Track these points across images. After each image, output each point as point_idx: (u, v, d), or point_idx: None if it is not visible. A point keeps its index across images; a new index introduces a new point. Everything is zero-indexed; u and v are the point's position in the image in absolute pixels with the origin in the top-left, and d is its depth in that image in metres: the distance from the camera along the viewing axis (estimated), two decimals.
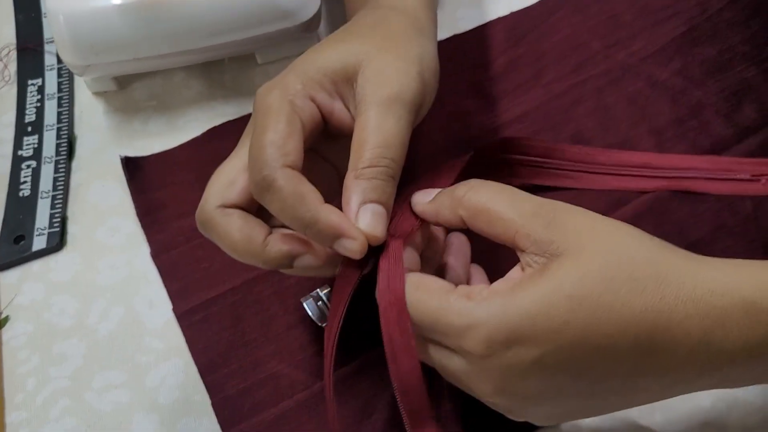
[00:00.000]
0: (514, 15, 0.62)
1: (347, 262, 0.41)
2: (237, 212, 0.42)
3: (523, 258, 0.39)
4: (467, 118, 0.57)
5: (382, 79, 0.42)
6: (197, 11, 0.55)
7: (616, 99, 0.57)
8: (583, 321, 0.36)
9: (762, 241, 0.51)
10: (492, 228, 0.40)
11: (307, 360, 0.49)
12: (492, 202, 0.40)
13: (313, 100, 0.42)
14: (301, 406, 0.47)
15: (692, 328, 0.37)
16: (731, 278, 0.37)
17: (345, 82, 0.43)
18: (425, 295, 0.39)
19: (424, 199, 0.43)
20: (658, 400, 0.40)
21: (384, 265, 0.40)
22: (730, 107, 0.56)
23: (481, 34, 0.62)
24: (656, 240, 0.39)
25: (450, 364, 0.39)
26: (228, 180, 0.42)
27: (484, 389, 0.39)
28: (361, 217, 0.40)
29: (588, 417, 0.43)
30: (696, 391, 0.39)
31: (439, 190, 0.43)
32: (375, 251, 0.41)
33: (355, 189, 0.40)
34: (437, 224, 0.43)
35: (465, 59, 0.61)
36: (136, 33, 0.55)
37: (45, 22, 0.65)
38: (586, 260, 0.37)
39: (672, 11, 0.61)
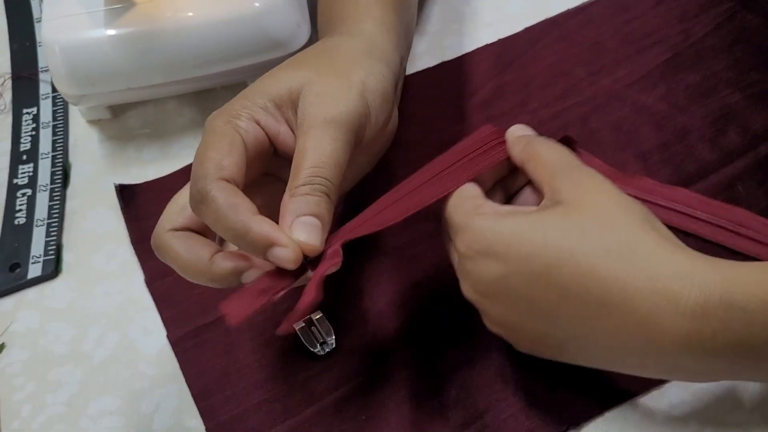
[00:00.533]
0: (500, 42, 0.64)
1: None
2: (185, 234, 0.44)
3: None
4: (449, 142, 0.58)
5: (321, 102, 0.44)
6: (190, 42, 0.56)
7: (601, 125, 0.59)
8: (549, 259, 0.40)
9: None
10: (536, 171, 0.45)
11: (299, 385, 0.50)
12: (546, 152, 0.45)
13: (258, 123, 0.44)
14: (294, 431, 0.48)
15: (643, 302, 0.39)
16: (696, 268, 0.39)
17: (289, 107, 0.45)
18: (462, 198, 0.44)
19: (520, 131, 0.48)
20: (616, 369, 0.43)
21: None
22: (715, 132, 0.57)
23: (468, 61, 0.63)
24: (649, 218, 0.42)
25: (451, 253, 0.45)
26: (179, 206, 0.45)
27: (464, 283, 0.44)
28: (295, 229, 0.41)
29: (558, 358, 0.44)
30: (651, 375, 0.43)
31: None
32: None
33: (289, 206, 0.42)
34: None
35: (452, 86, 0.62)
36: (129, 63, 0.56)
37: (39, 50, 0.66)
38: (575, 212, 0.41)
39: (655, 38, 0.62)
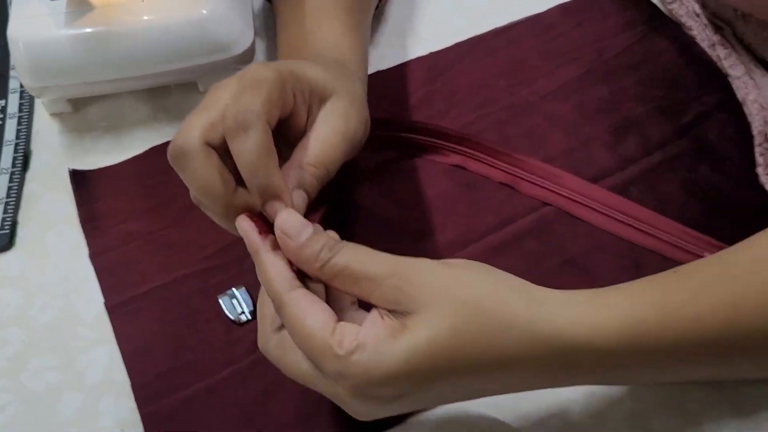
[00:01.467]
0: (432, 55, 0.70)
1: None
2: (216, 154, 0.46)
3: (380, 310, 0.43)
4: None
5: (343, 116, 0.51)
6: (140, 42, 0.62)
7: (515, 131, 0.64)
8: (440, 373, 0.41)
9: (632, 258, 0.57)
10: (351, 288, 0.43)
11: (220, 350, 0.55)
12: (355, 263, 0.43)
13: (294, 95, 0.48)
14: (211, 388, 0.53)
15: (529, 364, 0.43)
16: (564, 324, 0.43)
17: (316, 98, 0.50)
18: (310, 337, 0.42)
19: (293, 230, 0.45)
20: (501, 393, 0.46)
21: None
22: (615, 140, 0.63)
23: (402, 71, 0.69)
24: (505, 281, 0.44)
25: (323, 386, 0.44)
26: (209, 122, 0.46)
27: (349, 405, 0.43)
28: (295, 196, 0.47)
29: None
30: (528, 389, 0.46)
31: (309, 231, 0.44)
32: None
33: (297, 174, 0.48)
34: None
35: (387, 93, 0.67)
36: (86, 60, 0.62)
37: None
38: (437, 318, 0.41)
39: (572, 56, 0.68)
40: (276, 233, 0.45)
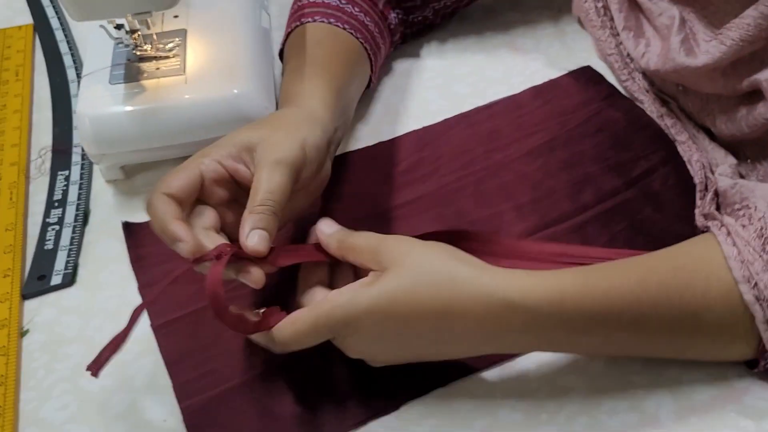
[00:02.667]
0: (422, 129, 0.83)
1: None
2: (169, 198, 0.61)
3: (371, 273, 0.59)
4: (378, 198, 0.77)
5: (272, 149, 0.63)
6: (183, 116, 0.76)
7: (491, 187, 0.77)
8: (396, 315, 0.57)
9: None
10: (357, 257, 0.61)
11: (242, 359, 0.66)
12: (355, 240, 0.61)
13: (219, 162, 0.63)
14: (236, 388, 0.65)
15: (468, 314, 0.56)
16: (503, 283, 0.57)
17: (247, 152, 0.64)
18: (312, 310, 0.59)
19: (327, 230, 0.63)
20: (454, 357, 0.61)
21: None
22: (574, 192, 0.75)
23: (397, 142, 0.83)
24: (460, 256, 0.59)
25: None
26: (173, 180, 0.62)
27: (348, 352, 0.60)
28: (250, 238, 0.60)
29: (415, 360, 0.61)
30: (482, 353, 0.60)
31: (338, 227, 0.63)
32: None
33: (248, 220, 0.61)
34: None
35: (384, 159, 0.81)
36: (138, 131, 0.76)
37: (74, 133, 0.87)
38: (401, 272, 0.57)
39: (540, 127, 0.82)
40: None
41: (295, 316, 0.59)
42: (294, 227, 0.72)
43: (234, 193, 0.65)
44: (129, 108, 0.76)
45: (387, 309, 0.56)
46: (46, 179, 0.83)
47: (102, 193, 0.82)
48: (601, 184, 0.76)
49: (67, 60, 0.96)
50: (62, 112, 0.90)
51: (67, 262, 0.75)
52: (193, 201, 0.63)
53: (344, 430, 0.62)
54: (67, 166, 0.84)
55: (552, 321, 0.56)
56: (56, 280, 0.74)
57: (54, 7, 1.04)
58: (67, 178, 0.83)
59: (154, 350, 0.68)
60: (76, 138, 0.86)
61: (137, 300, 0.72)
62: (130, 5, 0.70)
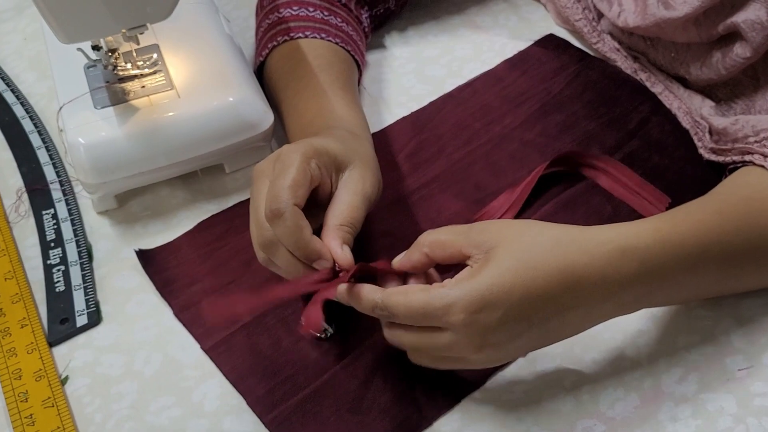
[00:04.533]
0: (412, 114, 0.83)
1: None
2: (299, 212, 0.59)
3: (469, 262, 0.57)
4: (394, 184, 0.76)
5: (360, 179, 0.63)
6: (183, 130, 0.73)
7: (499, 157, 0.78)
8: (522, 281, 0.54)
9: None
10: (446, 251, 0.58)
11: (314, 361, 0.65)
12: (440, 235, 0.58)
13: (319, 168, 0.61)
14: (316, 391, 0.63)
15: (591, 269, 0.56)
16: (610, 234, 0.57)
17: (335, 167, 0.63)
18: (414, 294, 0.56)
19: (399, 258, 0.60)
20: (578, 332, 0.59)
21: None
22: (582, 150, 0.77)
23: (391, 130, 0.82)
24: (553, 224, 0.59)
25: (441, 340, 0.56)
26: (300, 186, 0.60)
27: (469, 349, 0.56)
28: (343, 252, 0.59)
29: (534, 350, 0.60)
30: (600, 321, 0.59)
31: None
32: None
33: (337, 233, 0.60)
34: (414, 269, 0.59)
35: (384, 147, 0.80)
36: (138, 153, 0.72)
37: (45, 168, 0.82)
38: (511, 246, 0.56)
39: (527, 96, 0.84)
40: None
41: (407, 288, 0.57)
42: None
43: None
44: (126, 130, 0.72)
45: (512, 283, 0.54)
46: (29, 221, 0.78)
47: (98, 225, 0.77)
48: (603, 140, 0.78)
49: (9, 97, 0.90)
50: (23, 150, 0.84)
51: (87, 300, 0.70)
52: None
53: (430, 419, 0.61)
54: (50, 204, 0.79)
55: (662, 258, 0.57)
56: (81, 321, 0.69)
57: None
58: (54, 216, 0.77)
59: (212, 373, 0.65)
60: (50, 174, 0.81)
61: (177, 326, 0.68)
62: (124, 21, 0.67)
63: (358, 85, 0.84)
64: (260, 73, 0.82)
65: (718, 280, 0.61)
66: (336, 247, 0.60)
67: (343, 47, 0.80)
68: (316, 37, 0.79)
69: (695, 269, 0.59)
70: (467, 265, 0.57)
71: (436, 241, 0.58)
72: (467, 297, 0.54)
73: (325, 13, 0.82)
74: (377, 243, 0.72)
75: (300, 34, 0.79)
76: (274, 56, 0.80)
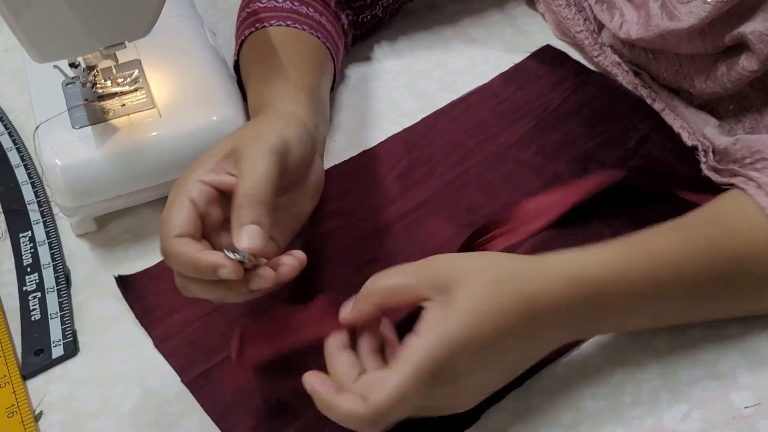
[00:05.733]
0: (404, 131, 0.80)
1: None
2: (185, 239, 0.56)
3: (426, 305, 0.53)
4: (383, 208, 0.73)
5: (250, 143, 0.59)
6: (165, 151, 0.70)
7: (494, 178, 0.75)
8: (492, 323, 0.52)
9: None
10: (401, 296, 0.54)
11: (299, 397, 0.62)
12: (392, 280, 0.55)
13: (202, 182, 0.59)
14: (308, 424, 0.60)
15: (542, 301, 0.54)
16: (564, 262, 0.56)
17: (226, 160, 0.60)
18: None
19: (345, 311, 0.56)
20: (532, 363, 0.57)
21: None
22: (579, 172, 0.74)
23: (382, 147, 0.79)
24: (509, 256, 0.58)
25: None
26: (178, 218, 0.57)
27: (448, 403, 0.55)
28: (240, 239, 0.55)
29: (497, 388, 0.57)
30: (552, 348, 0.57)
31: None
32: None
33: (234, 220, 0.56)
34: (364, 323, 0.55)
35: (374, 167, 0.77)
36: (118, 175, 0.69)
37: (23, 188, 0.79)
38: (472, 284, 0.53)
39: (522, 113, 0.81)
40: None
41: (382, 376, 0.51)
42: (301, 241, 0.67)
43: (228, 209, 0.60)
44: (105, 151, 0.69)
45: (481, 324, 0.52)
46: (6, 244, 0.75)
47: (77, 249, 0.74)
48: (602, 160, 0.75)
49: None
50: (0, 168, 0.81)
51: (64, 330, 0.67)
52: (200, 233, 0.58)
53: None
54: (27, 226, 0.76)
55: (616, 290, 0.56)
56: (57, 351, 0.66)
57: None
58: (31, 239, 0.74)
59: (194, 408, 0.62)
60: (28, 194, 0.78)
61: (157, 358, 0.65)
62: (101, 38, 0.64)
63: (333, 84, 0.81)
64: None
65: (684, 308, 0.60)
66: (234, 238, 0.56)
67: (312, 33, 0.77)
68: (281, 25, 0.76)
69: (651, 303, 0.58)
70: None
71: (388, 287, 0.55)
72: (437, 352, 0.51)
73: (296, 4, 0.79)
74: (364, 271, 0.69)
75: (265, 24, 0.76)
76: (243, 49, 0.78)
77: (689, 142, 0.75)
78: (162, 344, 0.66)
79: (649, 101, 0.79)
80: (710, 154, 0.72)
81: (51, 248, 0.74)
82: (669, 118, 0.78)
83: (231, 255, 0.55)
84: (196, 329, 0.67)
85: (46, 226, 0.75)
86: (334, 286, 0.68)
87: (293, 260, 0.58)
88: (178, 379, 0.64)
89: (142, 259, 0.72)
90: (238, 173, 0.58)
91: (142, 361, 0.65)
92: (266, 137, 0.59)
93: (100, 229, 0.75)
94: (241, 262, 0.55)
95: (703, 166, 0.72)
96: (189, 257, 0.56)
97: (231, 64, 0.81)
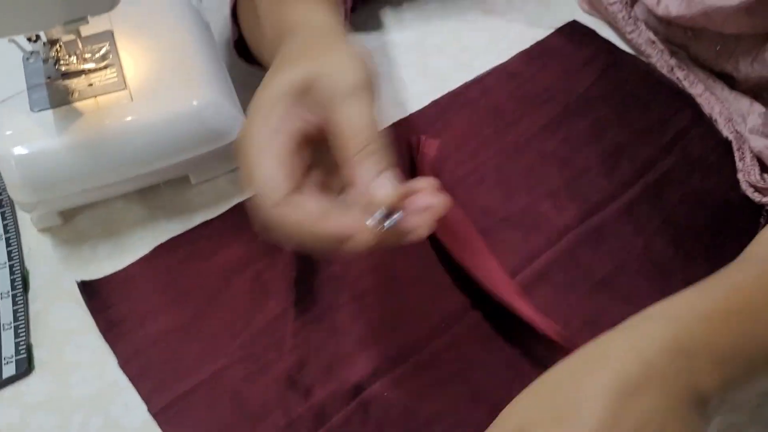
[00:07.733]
0: (411, 116, 0.71)
1: None
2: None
3: None
4: None
5: (340, 78, 0.49)
6: (136, 141, 0.61)
7: (513, 173, 0.66)
8: None
9: (655, 271, 0.59)
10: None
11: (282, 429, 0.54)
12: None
13: (285, 131, 0.49)
14: None
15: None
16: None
17: (301, 101, 0.49)
18: None
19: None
20: None
21: None
22: (609, 167, 0.65)
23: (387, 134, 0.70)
24: None
25: None
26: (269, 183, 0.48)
27: None
28: (375, 192, 0.46)
29: None
30: None
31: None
32: None
33: (361, 173, 0.46)
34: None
35: None
36: (82, 167, 0.60)
37: None
38: None
39: (546, 96, 0.71)
40: None
41: None
42: None
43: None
44: (66, 139, 0.60)
45: None
46: None
47: (38, 246, 0.65)
48: (635, 154, 0.66)
49: None
50: None
51: (17, 344, 0.59)
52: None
53: None
54: None
55: None
56: (9, 370, 0.58)
57: None
58: None
59: None
60: None
61: (122, 379, 0.57)
62: (60, 13, 0.54)
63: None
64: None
65: None
66: (372, 184, 0.46)
67: None
68: None
69: None
70: None
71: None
72: None
73: None
74: (364, 281, 0.60)
75: None
76: None
77: (724, 132, 0.66)
78: (128, 364, 0.58)
79: (686, 84, 0.70)
80: (747, 153, 0.63)
81: (8, 245, 0.65)
82: (708, 102, 0.68)
83: (372, 219, 0.45)
84: (171, 343, 0.59)
85: (4, 218, 0.67)
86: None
87: (435, 198, 0.48)
88: (144, 407, 0.56)
89: (111, 259, 0.64)
90: (336, 117, 0.48)
91: (105, 383, 0.57)
92: (357, 72, 0.49)
93: (66, 222, 0.66)
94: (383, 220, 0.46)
95: (740, 175, 0.62)
96: (308, 228, 0.47)
97: (220, 38, 0.72)
